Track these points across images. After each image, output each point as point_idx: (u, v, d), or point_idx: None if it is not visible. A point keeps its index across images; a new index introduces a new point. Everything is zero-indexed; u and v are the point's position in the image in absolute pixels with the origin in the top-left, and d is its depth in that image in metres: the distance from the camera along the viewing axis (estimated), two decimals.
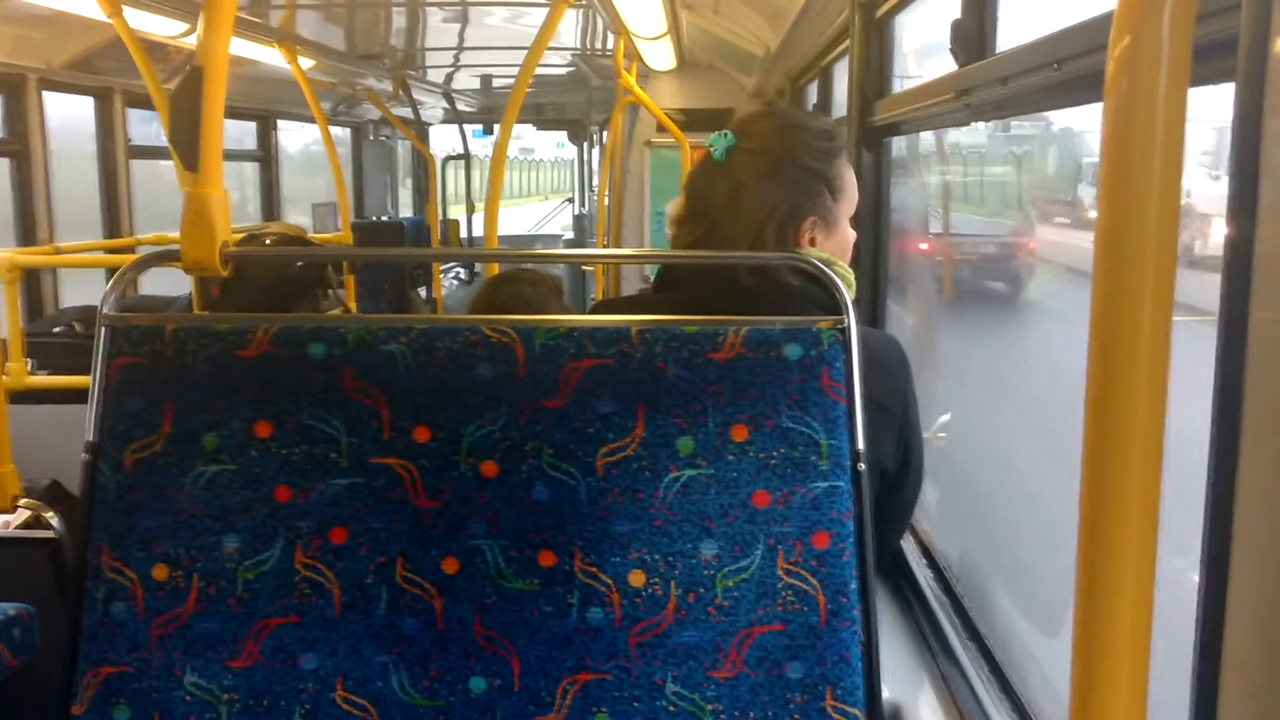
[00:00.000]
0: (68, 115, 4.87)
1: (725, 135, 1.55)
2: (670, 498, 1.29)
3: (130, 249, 4.55)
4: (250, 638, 1.29)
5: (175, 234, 1.37)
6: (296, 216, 7.65)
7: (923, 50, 2.53)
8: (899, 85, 2.56)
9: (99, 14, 3.46)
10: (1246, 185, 0.75)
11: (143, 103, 5.07)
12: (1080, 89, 1.23)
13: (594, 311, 1.82)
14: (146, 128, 5.48)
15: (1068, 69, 1.20)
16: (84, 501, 1.31)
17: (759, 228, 1.52)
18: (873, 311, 2.52)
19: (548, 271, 2.61)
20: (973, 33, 1.68)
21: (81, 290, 4.77)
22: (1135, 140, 0.61)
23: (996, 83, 1.51)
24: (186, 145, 1.30)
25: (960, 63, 1.72)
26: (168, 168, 5.30)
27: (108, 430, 1.32)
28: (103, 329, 1.34)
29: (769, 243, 1.51)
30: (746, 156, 1.55)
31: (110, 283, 1.39)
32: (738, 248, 1.51)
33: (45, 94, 4.51)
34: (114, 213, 5.09)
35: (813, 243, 1.55)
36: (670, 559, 1.28)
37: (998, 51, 1.63)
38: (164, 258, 1.43)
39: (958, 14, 1.75)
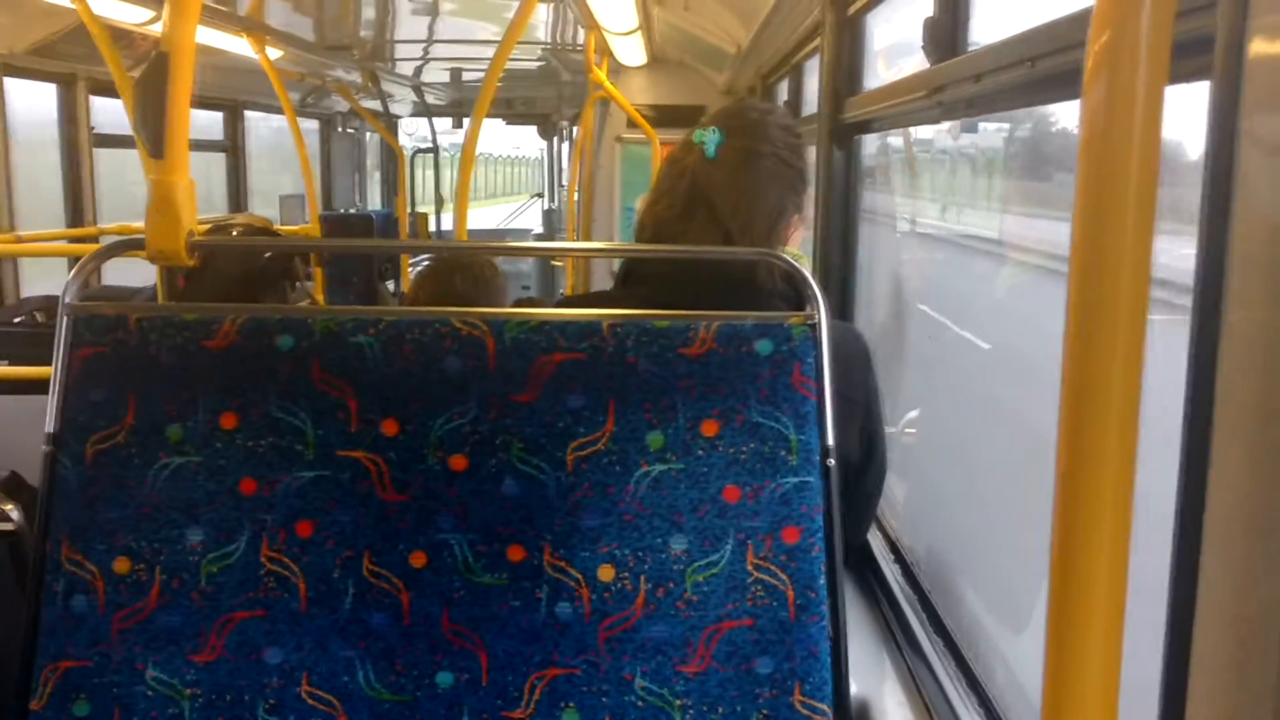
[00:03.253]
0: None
1: (714, 131, 1.54)
2: (640, 492, 1.28)
3: (94, 239, 4.48)
4: (214, 632, 1.27)
5: (140, 224, 1.35)
6: (264, 210, 7.57)
7: (892, 50, 2.54)
8: (869, 86, 2.57)
9: None
10: (1220, 184, 0.76)
11: (107, 90, 4.99)
12: (1054, 87, 1.24)
13: (561, 306, 1.81)
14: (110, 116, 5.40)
15: (1041, 66, 1.20)
16: (44, 493, 1.29)
17: (770, 229, 1.53)
18: (841, 306, 2.53)
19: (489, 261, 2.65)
20: (945, 30, 1.68)
21: (44, 281, 4.69)
22: (1113, 138, 0.61)
23: (969, 80, 1.51)
24: (152, 132, 1.28)
25: (933, 60, 1.73)
26: (133, 157, 5.22)
27: (69, 421, 1.30)
28: (65, 318, 1.31)
29: (776, 242, 1.53)
30: (749, 157, 1.54)
31: (73, 271, 1.37)
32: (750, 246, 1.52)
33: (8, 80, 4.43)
34: (78, 202, 5.01)
35: (790, 239, 1.56)
36: (640, 554, 1.28)
37: (970, 49, 1.64)
38: (128, 246, 1.41)
39: (930, 12, 1.75)
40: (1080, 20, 0.63)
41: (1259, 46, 0.71)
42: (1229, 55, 0.73)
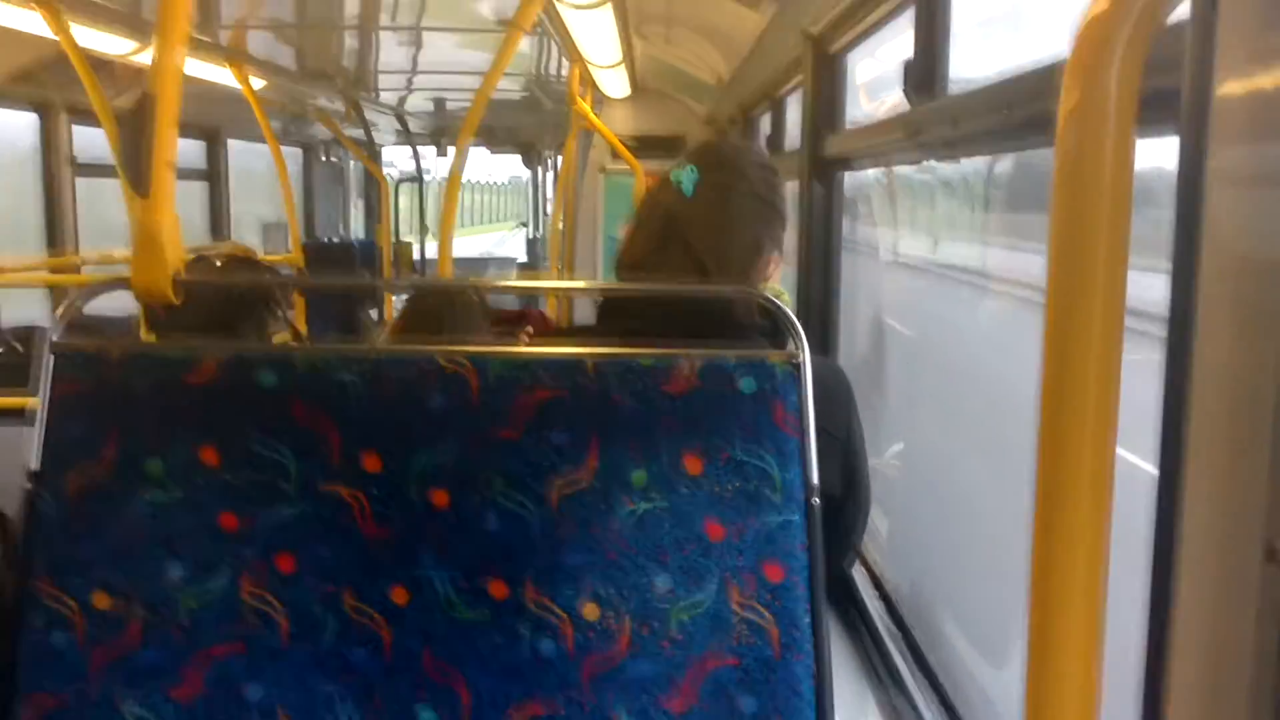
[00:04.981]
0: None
1: (691, 170, 1.55)
2: (624, 530, 1.28)
3: (75, 268, 4.46)
4: (193, 667, 1.27)
5: (120, 250, 1.35)
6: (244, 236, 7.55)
7: (874, 84, 2.57)
8: (851, 117, 2.60)
9: (44, 29, 3.40)
10: (1189, 227, 0.78)
11: (88, 117, 4.98)
12: (1030, 132, 1.26)
13: (542, 342, 1.81)
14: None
15: (1018, 113, 1.23)
16: (24, 529, 1.28)
17: (747, 265, 1.54)
18: (824, 341, 2.55)
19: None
20: (924, 73, 1.71)
21: (17, 309, 4.65)
22: (1085, 187, 0.63)
23: (947, 123, 1.53)
24: (137, 169, 1.28)
25: (913, 102, 1.75)
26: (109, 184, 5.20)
27: (51, 456, 1.29)
28: (49, 356, 1.31)
29: (754, 278, 1.53)
30: (725, 193, 1.54)
31: (60, 310, 1.37)
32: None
33: None
34: (57, 230, 4.99)
35: (770, 275, 1.57)
36: (624, 591, 1.27)
37: (949, 91, 1.66)
38: (114, 285, 1.41)
39: (909, 54, 1.78)
40: (1057, 69, 0.65)
41: (1223, 101, 0.74)
42: (1194, 109, 0.75)
